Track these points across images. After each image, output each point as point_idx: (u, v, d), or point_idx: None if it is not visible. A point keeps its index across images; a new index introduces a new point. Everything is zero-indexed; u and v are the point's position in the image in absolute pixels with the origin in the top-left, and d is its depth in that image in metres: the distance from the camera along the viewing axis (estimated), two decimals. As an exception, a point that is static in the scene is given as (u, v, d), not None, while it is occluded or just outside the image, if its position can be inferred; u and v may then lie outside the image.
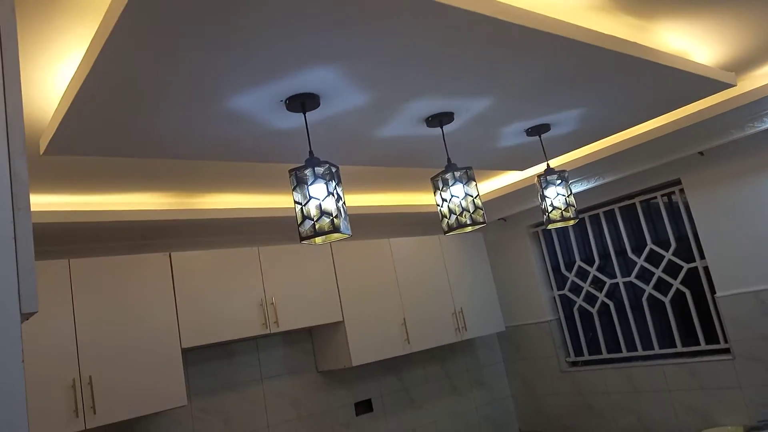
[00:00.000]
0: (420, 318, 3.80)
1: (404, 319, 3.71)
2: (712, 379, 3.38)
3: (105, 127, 1.72)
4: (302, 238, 1.67)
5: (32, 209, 2.41)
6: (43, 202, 2.59)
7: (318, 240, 1.72)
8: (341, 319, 3.44)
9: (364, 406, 3.77)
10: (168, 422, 2.98)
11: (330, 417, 3.58)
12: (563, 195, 2.43)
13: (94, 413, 2.46)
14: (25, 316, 0.74)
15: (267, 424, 3.31)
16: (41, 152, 1.77)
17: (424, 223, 4.42)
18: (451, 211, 2.08)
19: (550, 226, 2.47)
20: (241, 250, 3.18)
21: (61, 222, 2.63)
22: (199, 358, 3.18)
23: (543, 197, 2.45)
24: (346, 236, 1.73)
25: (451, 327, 3.97)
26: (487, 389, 4.46)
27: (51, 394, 2.40)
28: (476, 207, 2.08)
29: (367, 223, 4.02)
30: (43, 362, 2.42)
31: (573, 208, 2.45)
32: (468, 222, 2.05)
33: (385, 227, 4.27)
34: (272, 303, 3.16)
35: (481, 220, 2.07)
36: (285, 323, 3.18)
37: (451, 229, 2.08)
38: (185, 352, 3.05)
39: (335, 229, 1.65)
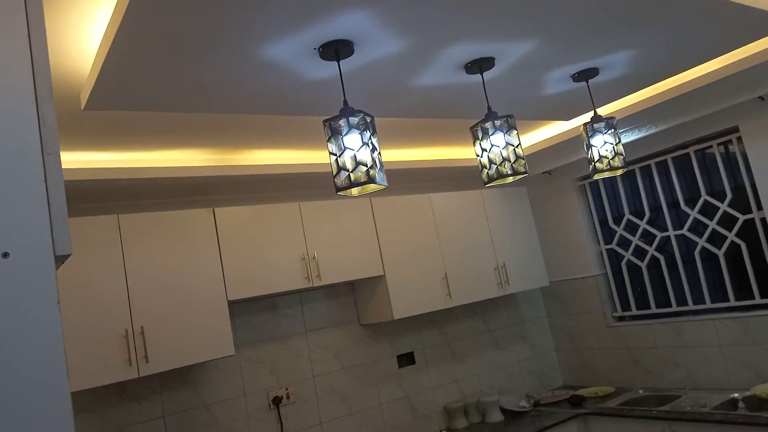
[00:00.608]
0: (461, 273, 3.78)
1: (445, 273, 3.70)
2: (766, 334, 3.25)
3: (141, 81, 1.73)
4: (338, 189, 1.65)
5: (79, 167, 2.48)
6: (90, 159, 2.66)
7: (354, 191, 1.71)
8: (382, 274, 3.45)
9: (406, 359, 3.82)
10: (218, 371, 3.11)
11: (373, 368, 3.65)
12: (611, 143, 2.32)
13: (147, 362, 2.58)
14: (60, 259, 0.75)
15: (312, 374, 3.41)
16: (82, 107, 1.80)
17: (465, 177, 4.35)
18: (491, 162, 2.01)
19: (596, 177, 2.38)
20: (283, 206, 3.20)
21: (109, 179, 2.71)
22: (245, 311, 3.28)
23: (589, 146, 2.35)
24: (382, 187, 1.70)
25: (494, 281, 3.94)
26: (530, 344, 4.44)
27: (106, 344, 2.52)
28: (517, 157, 2.01)
29: (407, 179, 3.99)
30: (97, 314, 2.53)
31: (621, 157, 2.33)
32: (509, 172, 1.99)
33: (426, 182, 4.22)
34: (314, 257, 3.20)
35: (523, 170, 2.00)
36: (327, 277, 3.22)
37: (491, 180, 2.03)
38: (231, 304, 3.14)
39: (371, 179, 1.62)
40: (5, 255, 0.70)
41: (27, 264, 0.71)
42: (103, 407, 2.77)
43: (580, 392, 3.95)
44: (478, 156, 2.06)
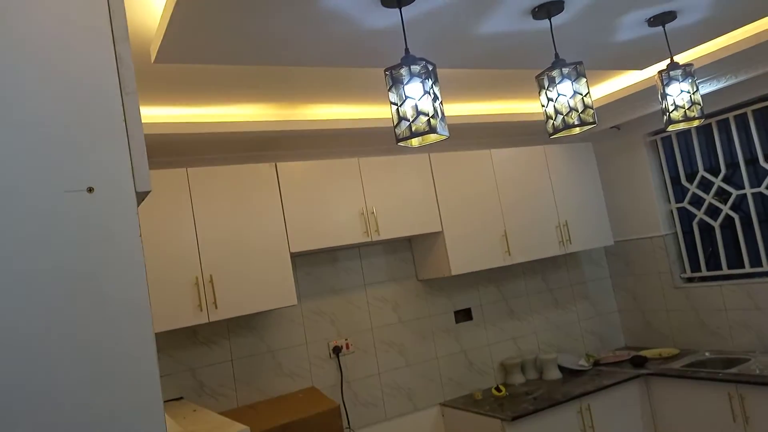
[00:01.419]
0: (521, 230, 3.72)
1: (505, 230, 3.65)
2: None
3: (210, 33, 1.76)
4: (398, 140, 1.64)
5: (151, 121, 2.58)
6: (159, 114, 2.76)
7: (414, 142, 1.69)
8: (440, 230, 3.45)
9: (463, 315, 3.84)
10: (282, 320, 3.23)
11: (430, 323, 3.69)
12: (688, 92, 2.18)
13: (216, 308, 2.71)
14: (140, 196, 0.79)
15: (370, 326, 3.49)
16: (152, 60, 1.85)
17: (528, 133, 4.22)
18: (557, 112, 1.94)
19: (670, 128, 2.25)
20: (342, 161, 3.23)
21: (177, 133, 2.80)
22: (307, 264, 3.37)
23: (664, 95, 2.22)
24: (443, 137, 1.68)
25: (555, 240, 3.86)
26: (592, 303, 4.36)
27: (178, 290, 2.66)
28: (585, 106, 1.92)
29: (468, 134, 3.92)
30: (170, 262, 2.67)
31: (698, 107, 2.20)
32: (576, 123, 1.91)
33: (487, 138, 4.13)
34: (373, 212, 3.23)
35: (591, 120, 1.92)
36: (385, 232, 3.25)
37: (556, 131, 1.96)
38: (294, 256, 3.24)
39: (432, 129, 1.60)
40: (90, 190, 0.74)
41: (111, 198, 0.75)
42: (176, 350, 2.95)
43: (643, 353, 3.87)
44: (543, 106, 1.99)
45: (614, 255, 4.40)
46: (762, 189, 3.51)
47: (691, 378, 3.29)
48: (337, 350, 3.33)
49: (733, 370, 3.22)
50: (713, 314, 3.75)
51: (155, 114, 2.74)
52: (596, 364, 3.90)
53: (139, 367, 0.76)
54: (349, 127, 3.25)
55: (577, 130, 1.97)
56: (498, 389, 3.51)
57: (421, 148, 3.81)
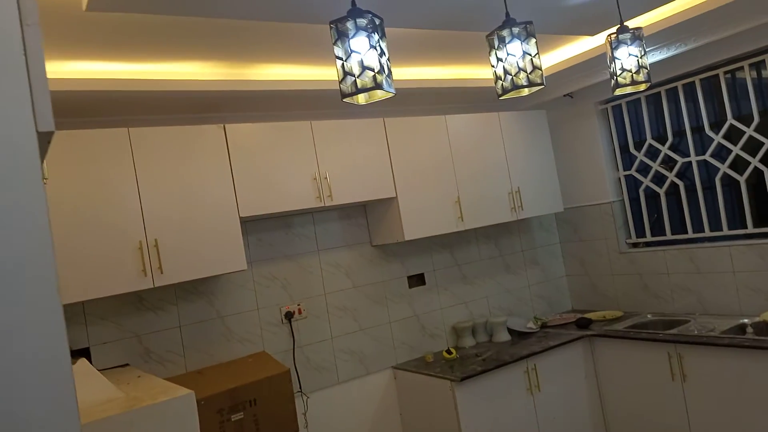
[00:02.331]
0: (474, 196, 3.75)
1: (458, 196, 3.67)
2: (784, 262, 3.21)
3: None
4: (343, 96, 1.60)
5: (86, 77, 2.44)
6: (96, 69, 2.61)
7: (360, 99, 1.65)
8: (394, 195, 3.43)
9: (416, 280, 3.87)
10: (231, 285, 3.18)
11: (384, 288, 3.70)
12: (635, 56, 2.20)
13: (162, 273, 2.64)
14: (43, 136, 0.73)
15: (324, 292, 3.47)
16: (84, 7, 1.73)
17: (483, 100, 4.21)
18: (506, 72, 1.92)
19: (617, 92, 2.27)
20: (294, 124, 3.15)
21: (117, 90, 2.67)
22: (259, 229, 3.30)
23: (612, 59, 2.23)
24: (390, 95, 1.64)
25: (507, 206, 3.90)
26: (542, 269, 4.46)
27: (121, 254, 2.57)
28: (534, 67, 1.91)
29: (423, 99, 3.88)
30: (112, 226, 2.57)
31: (645, 71, 2.22)
32: (524, 83, 1.90)
33: (442, 104, 4.11)
34: (326, 177, 3.17)
35: (539, 82, 1.91)
36: (339, 197, 3.21)
37: (505, 91, 1.94)
38: (245, 222, 3.17)
39: (378, 85, 1.56)
40: (-14, 130, 0.68)
41: (7, 137, 0.69)
42: (121, 316, 2.87)
43: (588, 315, 4.00)
44: (493, 66, 1.96)
45: (564, 221, 4.50)
46: (707, 157, 3.62)
47: (632, 339, 3.42)
48: (289, 315, 3.31)
49: (673, 331, 3.36)
50: (656, 278, 3.90)
51: (91, 69, 2.60)
52: (544, 326, 4.02)
53: (43, 342, 0.70)
54: (301, 88, 3.16)
55: (525, 91, 1.96)
56: (449, 352, 3.57)
57: (376, 113, 3.76)
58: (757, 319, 3.20)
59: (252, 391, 2.57)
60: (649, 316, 3.84)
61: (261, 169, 3.00)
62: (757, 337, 2.97)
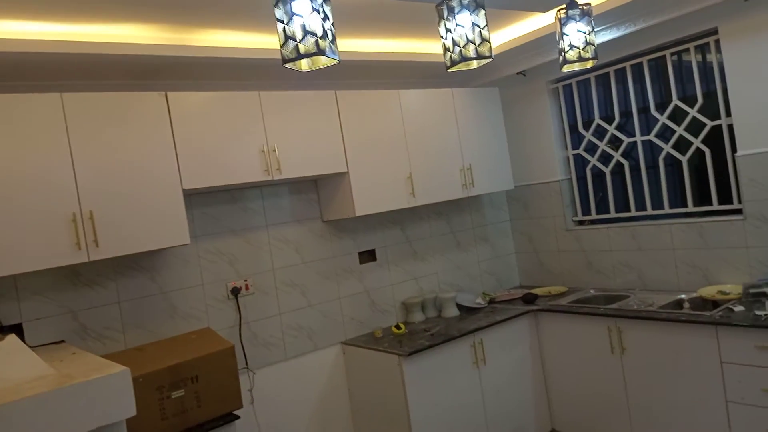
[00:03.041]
0: (427, 172, 3.73)
1: (410, 172, 3.65)
2: (719, 239, 3.34)
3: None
4: (285, 61, 1.53)
5: (15, 37, 2.26)
6: (27, 29, 2.43)
7: (303, 65, 1.59)
8: (346, 170, 3.38)
9: (367, 256, 3.85)
10: (175, 260, 3.08)
11: (334, 263, 3.67)
12: (583, 32, 2.20)
13: (97, 246, 2.52)
14: None
15: (272, 267, 3.41)
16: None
17: (437, 75, 4.18)
18: (455, 44, 1.89)
19: (565, 68, 2.28)
20: (242, 94, 3.04)
21: (50, 52, 2.50)
22: (204, 202, 3.20)
23: (561, 35, 2.23)
24: (334, 62, 1.58)
25: (458, 183, 3.91)
26: (491, 246, 4.52)
27: (53, 227, 2.43)
28: (483, 39, 1.88)
29: (376, 72, 3.81)
30: (42, 196, 2.42)
31: (592, 48, 2.23)
32: (473, 56, 1.87)
33: (395, 78, 4.05)
34: (274, 150, 3.09)
35: (488, 54, 1.89)
36: (288, 171, 3.13)
37: (453, 63, 1.91)
38: (189, 195, 3.06)
39: (320, 51, 1.50)
40: None
41: None
42: (56, 292, 2.74)
43: (534, 291, 4.08)
44: (442, 37, 1.93)
45: (514, 199, 4.55)
46: (651, 137, 3.71)
47: (575, 313, 3.52)
48: (235, 291, 3.24)
49: (614, 306, 3.47)
50: (600, 255, 4.01)
51: (21, 29, 2.42)
52: (492, 302, 4.08)
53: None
54: (249, 57, 3.04)
55: (474, 64, 1.93)
56: (398, 327, 3.59)
57: (328, 85, 3.67)
58: (693, 295, 3.34)
59: (194, 368, 2.51)
60: (591, 291, 3.95)
61: (206, 140, 2.89)
62: (692, 312, 3.09)
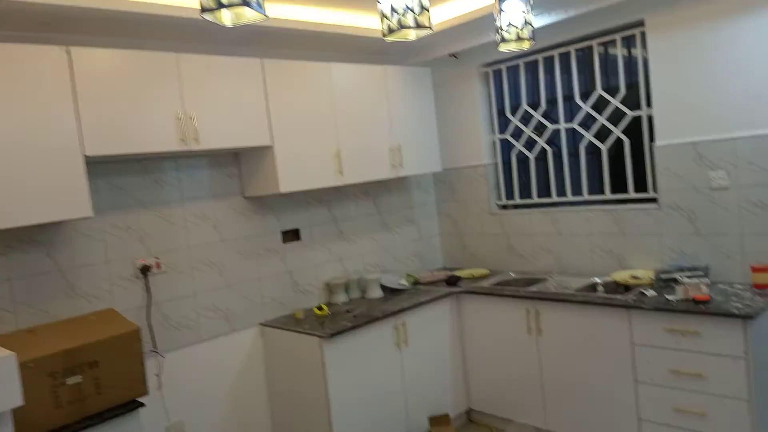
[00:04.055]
0: (355, 150, 3.62)
1: (339, 149, 3.52)
2: (634, 226, 3.48)
3: None
4: (203, 10, 1.36)
5: None
6: None
7: (224, 17, 1.42)
8: (270, 144, 3.20)
9: (291, 235, 3.70)
10: (75, 234, 2.79)
11: (255, 242, 3.49)
12: (522, 12, 2.16)
13: (-19, 215, 2.21)
14: None
15: (187, 245, 3.19)
16: None
17: (370, 51, 4.06)
18: (393, 10, 1.78)
19: (502, 47, 2.23)
20: (158, 55, 2.78)
21: None
22: (110, 172, 2.92)
23: (500, 11, 2.17)
24: (261, 18, 1.43)
25: (387, 163, 3.83)
26: (417, 227, 4.49)
27: (-75, 191, 2.11)
28: (423, 8, 1.79)
29: (306, 43, 3.63)
30: None
31: (530, 28, 2.19)
32: (411, 24, 1.78)
33: (326, 51, 3.89)
34: (191, 118, 2.86)
35: (427, 25, 1.80)
36: (206, 141, 2.91)
37: (391, 31, 1.81)
38: (93, 163, 2.78)
39: (246, 2, 1.34)
40: None
41: None
42: (-70, 266, 2.40)
43: (457, 273, 4.11)
44: (379, 2, 1.81)
45: (442, 182, 4.54)
46: (574, 125, 3.79)
47: (495, 295, 3.56)
48: (145, 270, 3.00)
49: (532, 288, 3.54)
50: (521, 239, 4.08)
51: None
52: (416, 283, 4.06)
53: None
54: (168, 13, 2.77)
55: (412, 34, 1.84)
56: (320, 308, 3.48)
57: (254, 53, 3.45)
58: (607, 279, 3.46)
59: (92, 352, 2.28)
60: (512, 274, 4.03)
61: (114, 104, 2.62)
62: (606, 295, 3.20)
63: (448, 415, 3.62)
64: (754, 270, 2.94)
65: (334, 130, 3.52)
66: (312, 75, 3.42)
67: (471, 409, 3.88)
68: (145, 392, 2.47)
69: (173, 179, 3.16)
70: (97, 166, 2.85)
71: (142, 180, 3.05)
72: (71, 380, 2.24)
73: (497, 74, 4.20)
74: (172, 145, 2.80)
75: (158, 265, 3.05)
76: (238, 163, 3.43)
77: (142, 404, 2.42)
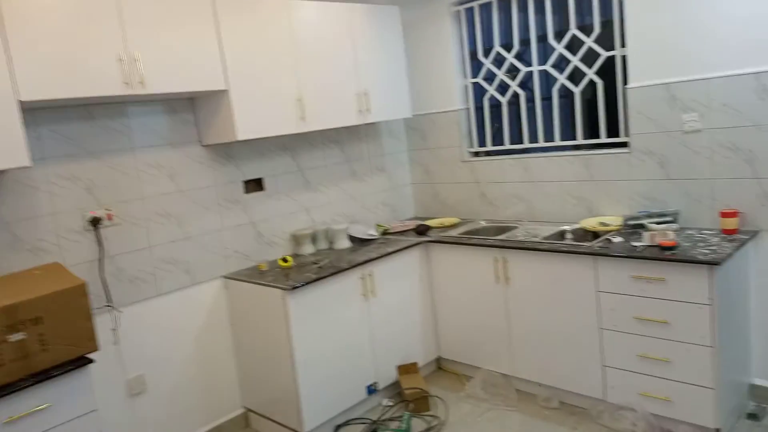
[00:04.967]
0: (319, 95, 3.45)
1: (301, 94, 3.35)
2: (604, 172, 3.40)
3: None
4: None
5: None
6: None
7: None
8: (226, 88, 3.02)
9: (254, 185, 3.57)
10: (17, 185, 2.64)
11: (215, 192, 3.36)
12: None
13: None
14: None
15: (141, 196, 3.05)
16: None
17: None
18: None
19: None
20: (95, -11, 2.56)
21: None
22: (54, 119, 2.74)
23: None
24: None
25: (354, 108, 3.67)
26: (388, 176, 4.38)
27: None
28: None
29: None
30: None
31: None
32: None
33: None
34: (137, 59, 2.66)
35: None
36: (153, 85, 2.73)
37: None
38: (32, 109, 2.60)
39: None
40: None
41: None
42: None
43: (428, 222, 4.03)
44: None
45: (412, 129, 4.40)
46: (547, 67, 3.64)
47: (464, 244, 3.49)
48: (95, 222, 2.86)
49: (501, 237, 3.48)
50: (493, 186, 3.99)
51: None
52: (385, 233, 3.98)
53: None
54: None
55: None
56: (284, 260, 3.39)
57: (205, -11, 3.22)
58: (576, 226, 3.40)
59: (36, 308, 2.17)
60: (482, 222, 3.96)
61: (49, 44, 2.41)
62: (573, 243, 3.14)
63: (416, 363, 3.62)
64: (723, 215, 2.89)
65: (295, 73, 3.34)
66: (270, 13, 3.21)
67: (440, 358, 3.89)
68: (94, 348, 2.38)
69: (123, 126, 2.99)
70: (38, 113, 2.67)
71: (90, 127, 2.87)
72: (14, 337, 2.14)
73: (469, 13, 4.00)
74: (116, 89, 2.61)
75: (110, 217, 2.92)
76: (193, 108, 3.26)
77: (90, 360, 2.34)
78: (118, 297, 2.95)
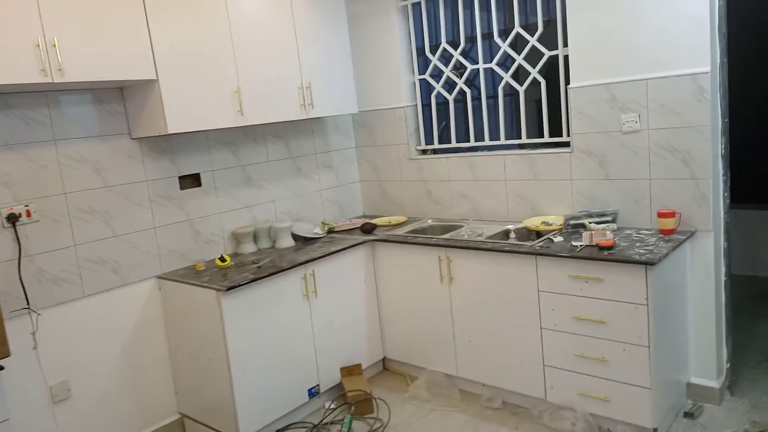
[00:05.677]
0: (258, 87, 3.32)
1: (238, 86, 3.21)
2: (548, 172, 3.39)
3: None
4: None
5: None
6: None
7: None
8: (155, 78, 2.86)
9: (190, 181, 3.42)
10: None
11: (147, 188, 3.19)
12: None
13: None
14: None
15: (63, 191, 2.86)
16: None
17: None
18: None
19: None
20: (8, -31, 2.37)
21: None
22: (-38, 107, 2.54)
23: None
24: None
25: (296, 102, 3.56)
26: (335, 173, 4.28)
27: None
28: None
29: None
30: None
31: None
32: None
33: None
34: (54, 45, 2.48)
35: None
36: (73, 73, 2.55)
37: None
38: (-65, 96, 2.39)
39: None
40: None
41: None
42: None
43: (375, 221, 3.95)
44: None
45: (360, 125, 4.32)
46: (493, 65, 3.61)
47: (410, 243, 3.43)
48: (13, 218, 2.67)
49: (446, 236, 3.43)
50: (439, 185, 3.94)
51: None
52: (331, 231, 3.89)
53: None
54: None
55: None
56: (222, 259, 3.26)
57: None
58: (520, 225, 3.39)
59: (-70, 314, 2.00)
60: (429, 221, 3.91)
61: (-48, 25, 2.22)
62: (515, 243, 3.12)
63: (360, 365, 3.54)
64: (660, 216, 2.91)
65: (232, 64, 3.20)
66: None
67: (386, 358, 3.82)
68: (6, 354, 2.21)
69: (42, 116, 2.79)
70: (-56, 101, 2.47)
71: (6, 117, 2.68)
72: None
73: (416, 8, 3.94)
74: (31, 76, 2.43)
75: (28, 213, 2.73)
76: (122, 98, 3.08)
77: (0, 367, 2.17)
78: (39, 298, 2.76)
